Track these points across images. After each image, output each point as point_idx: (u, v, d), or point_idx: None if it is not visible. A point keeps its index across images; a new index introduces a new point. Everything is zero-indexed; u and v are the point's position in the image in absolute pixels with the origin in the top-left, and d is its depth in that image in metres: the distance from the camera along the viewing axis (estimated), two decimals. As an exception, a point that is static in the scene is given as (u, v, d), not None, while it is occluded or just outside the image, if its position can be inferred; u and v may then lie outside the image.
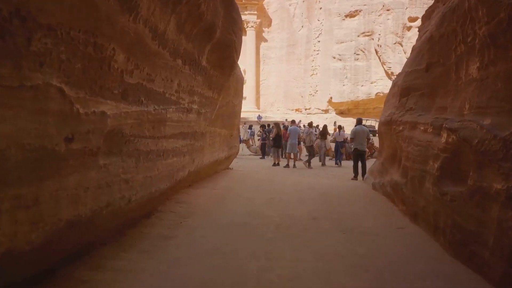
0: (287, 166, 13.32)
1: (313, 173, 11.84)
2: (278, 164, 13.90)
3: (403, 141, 5.80)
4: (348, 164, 15.04)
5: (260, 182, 8.91)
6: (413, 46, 7.24)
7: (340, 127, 16.50)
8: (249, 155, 19.97)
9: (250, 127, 27.03)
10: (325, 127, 16.38)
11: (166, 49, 3.92)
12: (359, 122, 10.60)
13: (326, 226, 4.85)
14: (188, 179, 6.15)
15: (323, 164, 15.29)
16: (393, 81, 7.89)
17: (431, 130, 4.61)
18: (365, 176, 9.08)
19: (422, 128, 5.02)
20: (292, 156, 13.70)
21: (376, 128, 16.13)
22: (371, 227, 4.81)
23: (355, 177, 9.88)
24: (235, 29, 6.33)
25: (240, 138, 17.32)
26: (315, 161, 14.79)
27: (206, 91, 5.94)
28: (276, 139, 14.33)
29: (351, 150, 14.84)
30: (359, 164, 10.04)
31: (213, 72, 6.06)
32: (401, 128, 5.99)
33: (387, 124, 6.86)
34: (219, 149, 8.81)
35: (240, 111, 10.62)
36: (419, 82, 5.68)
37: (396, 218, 5.22)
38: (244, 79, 45.14)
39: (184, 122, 5.02)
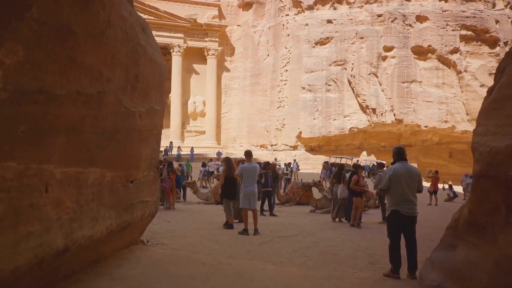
0: (244, 232, 7.81)
1: (292, 248, 6.54)
2: (231, 226, 8.51)
3: None
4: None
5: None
6: None
7: (357, 167, 10.87)
8: (198, 203, 14.44)
9: (204, 164, 21.63)
10: (341, 167, 11.42)
11: None
12: (400, 154, 4.99)
13: None
14: None
15: (339, 221, 10.35)
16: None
17: None
18: (432, 280, 3.84)
19: None
20: (250, 212, 8.10)
21: (352, 167, 11.01)
22: None
23: (395, 271, 4.56)
24: None
25: (168, 181, 11.69)
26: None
27: None
28: (227, 185, 8.76)
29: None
30: (401, 243, 4.71)
31: None
32: None
33: None
34: (78, 218, 3.41)
35: (156, 129, 5.29)
36: None
37: None
38: (204, 111, 40.41)
39: None
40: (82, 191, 3.60)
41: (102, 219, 4.06)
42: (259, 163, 13.13)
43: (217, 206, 14.20)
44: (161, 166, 10.94)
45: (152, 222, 8.44)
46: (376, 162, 13.11)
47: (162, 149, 33.61)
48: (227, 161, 9.15)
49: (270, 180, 11.93)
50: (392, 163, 5.03)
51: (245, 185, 8.12)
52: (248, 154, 8.75)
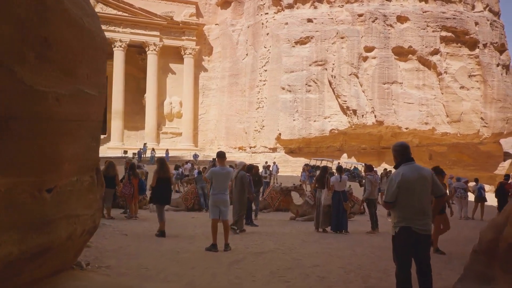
0: (213, 247, 6.58)
1: (269, 269, 5.37)
2: (163, 234, 7.79)
3: None
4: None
5: None
6: None
7: (340, 169, 10.03)
8: (167, 210, 13.06)
9: (177, 167, 20.24)
10: (324, 170, 10.14)
11: None
12: (404, 154, 3.70)
13: None
14: None
15: (324, 230, 9.29)
16: None
17: None
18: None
19: None
20: (221, 222, 6.88)
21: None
22: None
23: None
24: None
25: (128, 187, 10.30)
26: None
27: None
28: (159, 188, 8.06)
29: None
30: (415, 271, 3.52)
31: None
32: None
33: None
34: None
35: (90, 121, 4.01)
36: None
37: None
38: (180, 112, 38.62)
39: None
40: None
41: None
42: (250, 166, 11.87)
43: (189, 214, 12.97)
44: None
45: (103, 236, 7.13)
46: (365, 165, 12.10)
47: (135, 151, 31.95)
48: (160, 161, 8.50)
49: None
50: (396, 166, 3.78)
51: (214, 192, 6.88)
52: (220, 155, 7.46)
